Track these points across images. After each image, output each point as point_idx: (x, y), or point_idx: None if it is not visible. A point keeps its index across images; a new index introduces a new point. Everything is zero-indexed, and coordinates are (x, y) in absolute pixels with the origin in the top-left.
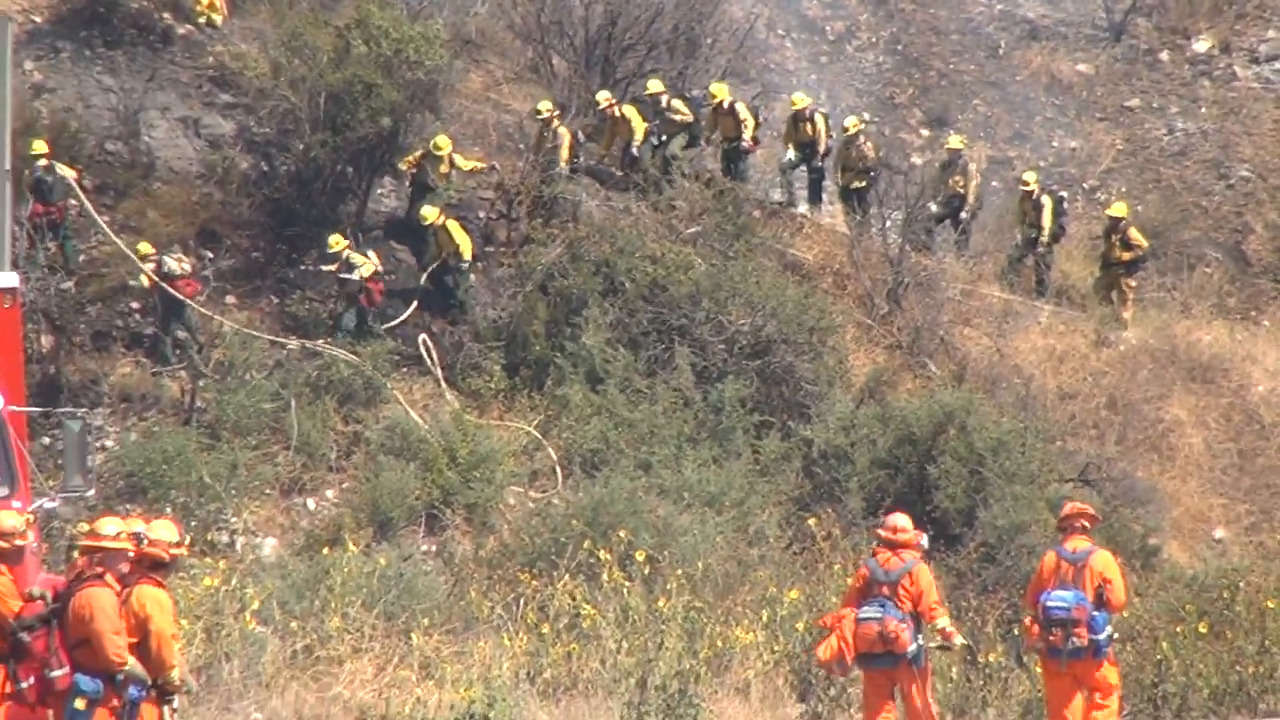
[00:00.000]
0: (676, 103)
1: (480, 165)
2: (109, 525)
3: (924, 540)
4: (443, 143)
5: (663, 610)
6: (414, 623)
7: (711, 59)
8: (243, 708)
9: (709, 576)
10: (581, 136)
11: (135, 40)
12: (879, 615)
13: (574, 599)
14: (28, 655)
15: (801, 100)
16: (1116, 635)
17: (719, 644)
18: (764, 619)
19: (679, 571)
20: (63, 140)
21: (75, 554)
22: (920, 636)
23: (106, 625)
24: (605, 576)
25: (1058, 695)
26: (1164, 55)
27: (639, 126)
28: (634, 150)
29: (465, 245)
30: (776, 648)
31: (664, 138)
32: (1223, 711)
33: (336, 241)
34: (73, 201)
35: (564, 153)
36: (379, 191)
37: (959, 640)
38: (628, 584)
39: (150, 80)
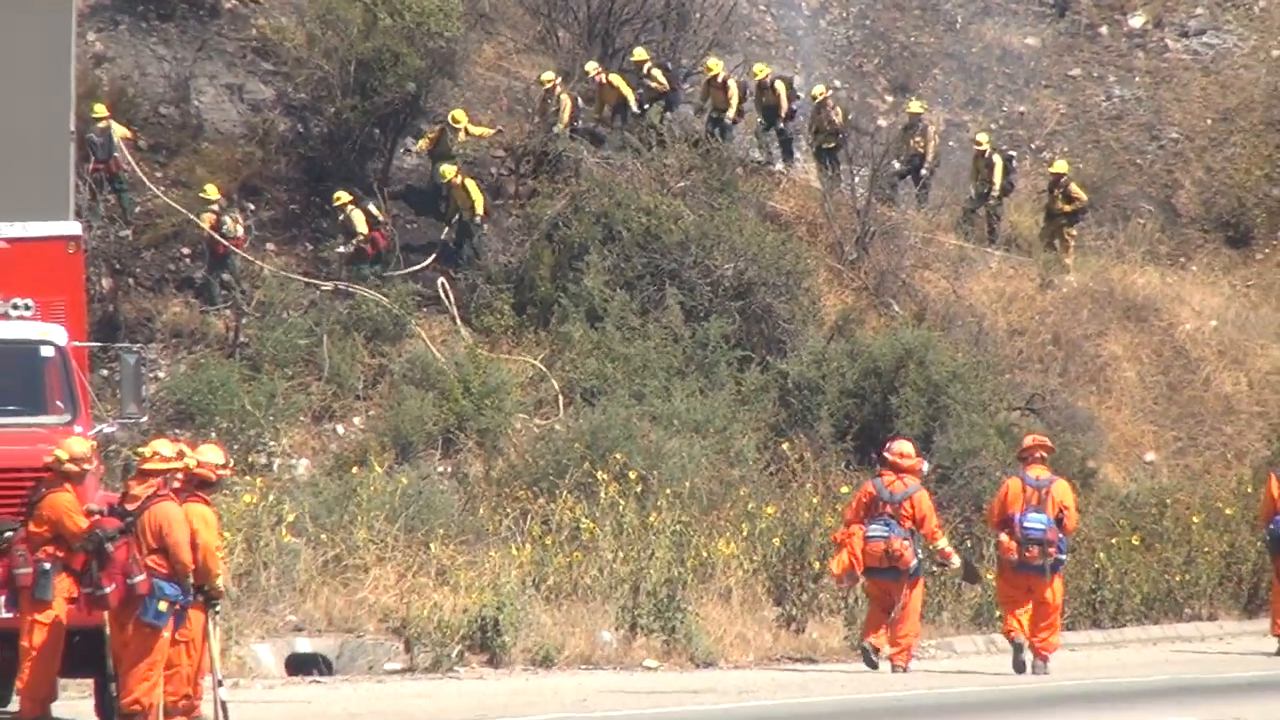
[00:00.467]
0: (656, 71)
1: (489, 131)
2: (166, 448)
3: (925, 466)
4: (459, 116)
5: (653, 524)
6: (431, 535)
7: (699, 32)
8: (279, 610)
9: (695, 494)
10: (581, 102)
11: (186, 14)
12: (885, 534)
13: (574, 514)
14: (110, 563)
15: (762, 70)
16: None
17: (703, 554)
18: (744, 532)
19: (668, 490)
20: (121, 105)
21: (133, 474)
22: (919, 553)
23: (181, 536)
24: (602, 494)
25: (1013, 601)
26: (1103, 29)
27: (628, 92)
28: (634, 109)
29: (479, 201)
30: (755, 558)
31: (645, 105)
32: (1153, 615)
33: (339, 197)
34: (128, 157)
35: (564, 116)
36: (402, 150)
37: (956, 560)
38: (622, 501)
39: (199, 50)
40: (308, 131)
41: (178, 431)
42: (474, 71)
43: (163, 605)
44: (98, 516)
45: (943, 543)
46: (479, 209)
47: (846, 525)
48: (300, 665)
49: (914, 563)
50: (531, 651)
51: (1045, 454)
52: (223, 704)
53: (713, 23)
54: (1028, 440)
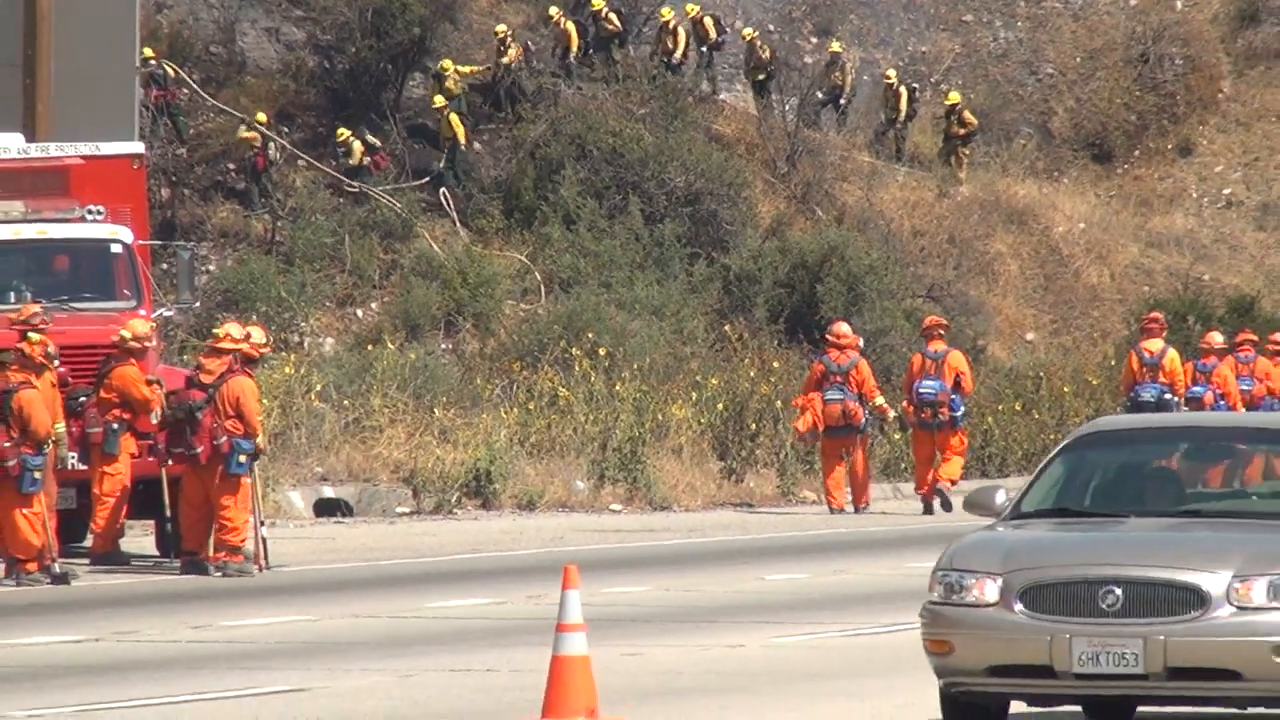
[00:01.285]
0: (611, 15)
1: (478, 69)
2: (236, 330)
3: (861, 341)
4: (446, 65)
5: (619, 393)
6: (435, 401)
7: None
8: (308, 463)
9: (653, 368)
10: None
11: None
12: (840, 398)
13: (553, 384)
14: (200, 428)
15: (693, 9)
16: (968, 412)
17: (659, 417)
18: (693, 399)
19: (631, 364)
20: (176, 45)
21: (205, 351)
22: (864, 413)
23: (253, 405)
24: (576, 367)
25: (922, 453)
26: None
27: (574, 38)
28: (575, 52)
29: (460, 131)
30: (702, 421)
31: (592, 47)
32: (1031, 467)
33: (341, 133)
34: (184, 90)
35: (512, 55)
36: (410, 83)
37: (892, 413)
38: (593, 373)
39: (244, 2)
40: (332, 67)
41: (224, 315)
42: (470, 16)
43: (243, 458)
44: (182, 389)
45: (880, 400)
46: (461, 138)
47: (805, 395)
48: (325, 508)
49: (863, 420)
50: (517, 497)
51: (942, 331)
52: (263, 540)
53: None
54: (927, 320)
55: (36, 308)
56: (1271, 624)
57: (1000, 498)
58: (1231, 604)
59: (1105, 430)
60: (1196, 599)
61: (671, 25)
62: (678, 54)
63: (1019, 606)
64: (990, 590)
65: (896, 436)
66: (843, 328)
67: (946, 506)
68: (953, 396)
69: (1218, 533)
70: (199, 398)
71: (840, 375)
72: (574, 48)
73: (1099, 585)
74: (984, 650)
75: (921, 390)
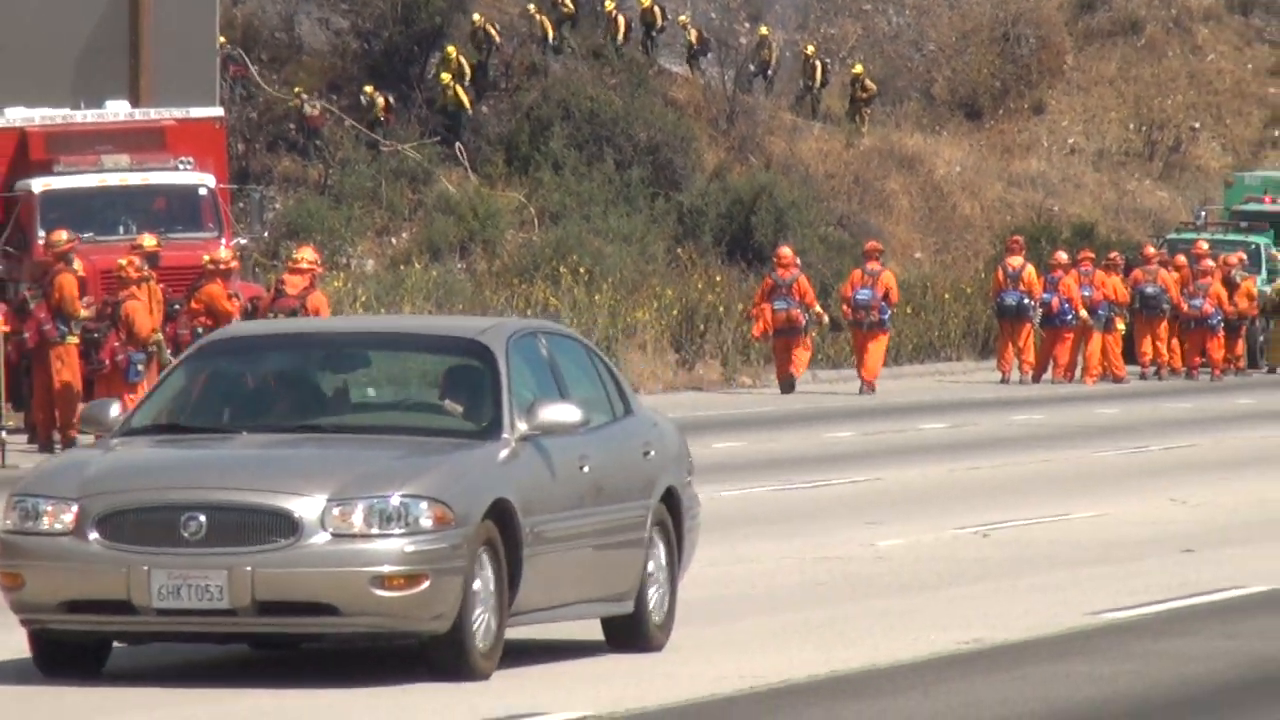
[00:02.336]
0: (567, 2)
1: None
2: (310, 253)
3: (799, 260)
4: (450, 51)
5: (596, 301)
6: (453, 309)
7: None
8: None
9: (623, 281)
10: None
11: None
12: (785, 306)
13: (545, 295)
14: None
15: (611, 4)
16: (893, 316)
17: (628, 320)
18: (654, 306)
19: (607, 279)
20: (249, 32)
21: (286, 270)
22: (805, 317)
23: (328, 313)
24: (563, 282)
25: (859, 346)
26: None
27: (548, 26)
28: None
29: (466, 100)
30: (661, 322)
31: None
32: (920, 357)
33: (367, 89)
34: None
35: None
36: (433, 61)
37: (826, 318)
38: (576, 286)
39: None
40: (370, 49)
41: (288, 244)
42: (478, 7)
43: None
44: (275, 300)
45: (817, 307)
46: (466, 104)
47: (757, 304)
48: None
49: (804, 323)
50: None
51: (878, 253)
52: None
53: None
54: (868, 244)
55: (152, 239)
56: (372, 553)
57: (114, 412)
58: (328, 531)
59: (234, 338)
60: (288, 525)
61: (613, 14)
62: (619, 37)
63: (94, 535)
64: (65, 517)
65: (825, 338)
66: (785, 251)
67: (866, 391)
68: (882, 304)
69: (324, 450)
70: (292, 305)
71: (785, 288)
72: (550, 35)
73: (181, 511)
74: (57, 584)
75: (858, 297)
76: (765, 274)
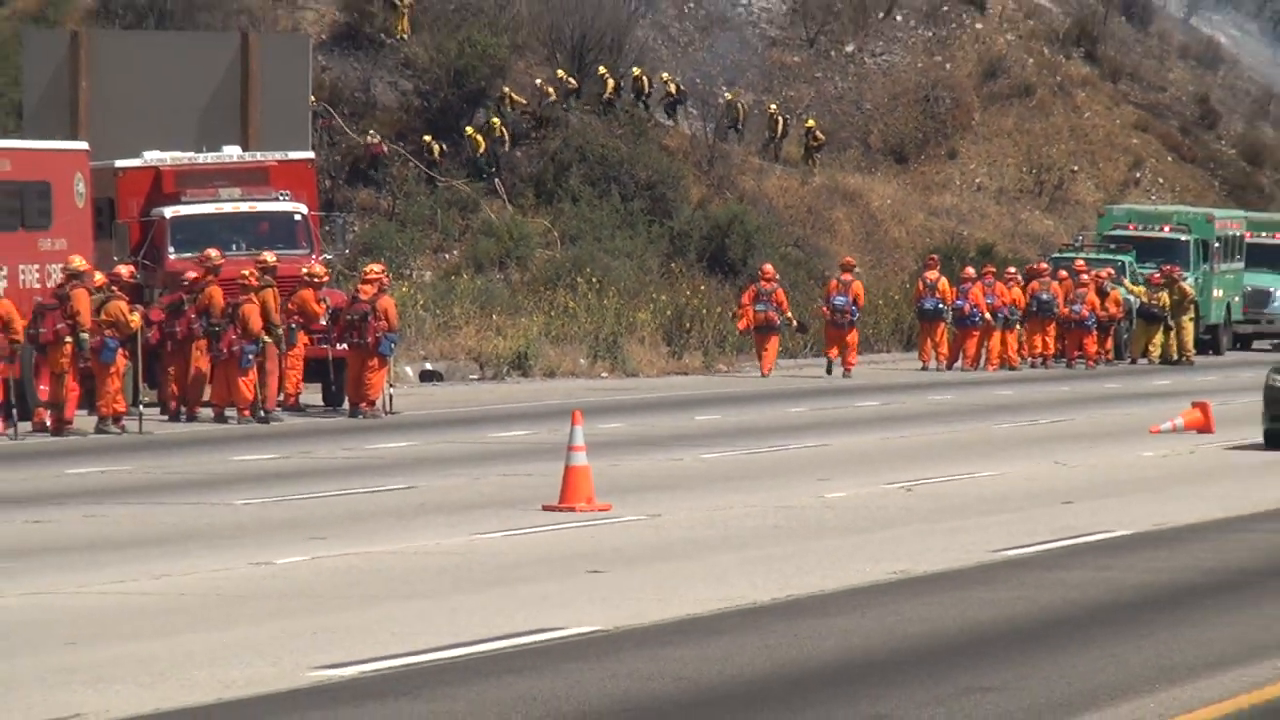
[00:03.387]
0: (570, 79)
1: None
2: (377, 266)
3: (777, 276)
4: (495, 121)
5: (605, 304)
6: (492, 309)
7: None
8: (415, 349)
9: (626, 289)
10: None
11: (367, 45)
12: (765, 309)
13: (565, 299)
14: (368, 327)
15: (637, 70)
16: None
17: (630, 319)
18: (651, 309)
19: (613, 288)
20: (335, 91)
21: (359, 280)
22: (779, 319)
23: (395, 314)
24: (580, 289)
25: (831, 340)
26: (831, 53)
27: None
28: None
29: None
30: (656, 321)
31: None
32: (859, 350)
33: (425, 138)
34: (338, 120)
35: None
36: (478, 114)
37: (795, 321)
38: (589, 293)
39: (374, 64)
40: (429, 105)
41: (364, 259)
42: (513, 75)
43: (391, 346)
44: (352, 303)
45: (790, 313)
46: (499, 149)
47: (743, 306)
48: (426, 376)
49: (779, 324)
50: (543, 369)
51: (851, 267)
52: (390, 396)
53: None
54: (844, 259)
55: (272, 256)
56: None
57: None
58: None
59: None
60: None
61: (613, 79)
62: (621, 96)
63: None
64: None
65: (797, 335)
66: (769, 267)
67: (847, 376)
68: (853, 307)
69: None
70: (364, 308)
71: (766, 296)
72: (554, 98)
73: None
74: None
75: (835, 302)
76: (750, 284)
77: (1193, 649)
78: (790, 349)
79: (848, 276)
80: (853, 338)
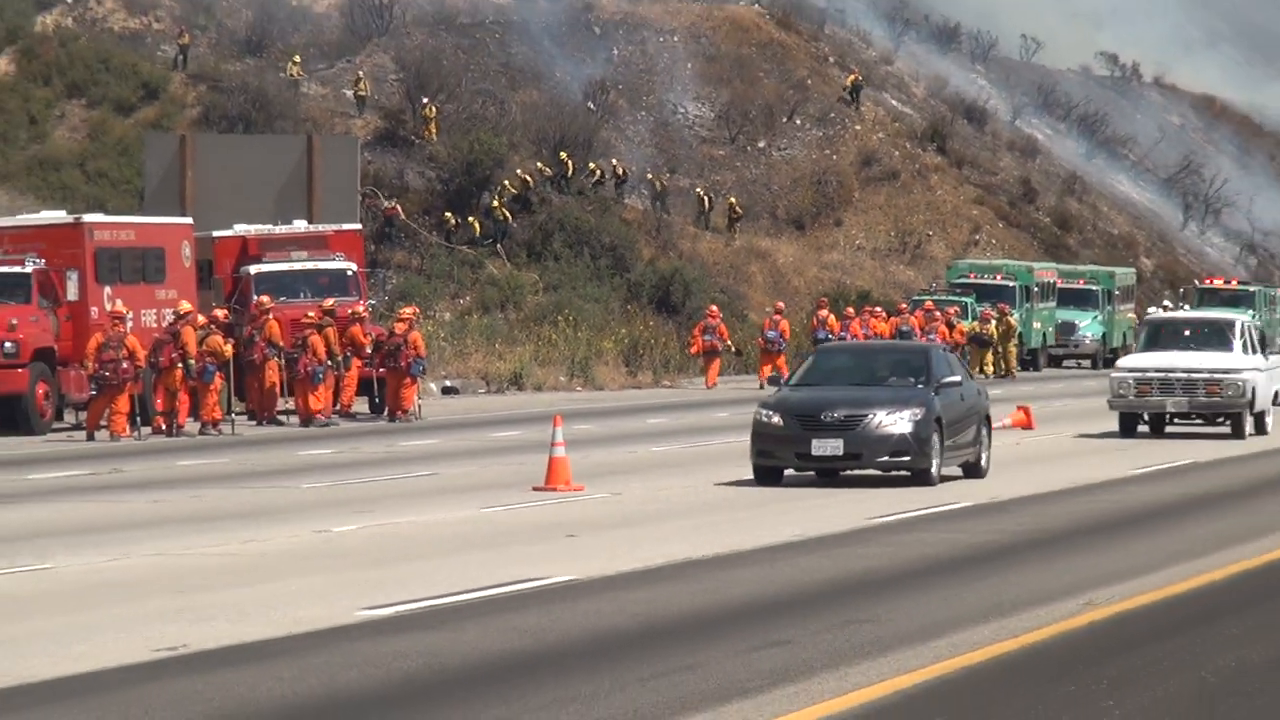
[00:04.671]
0: (546, 169)
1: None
2: (408, 310)
3: (719, 314)
4: (496, 203)
5: (579, 335)
6: (495, 340)
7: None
8: (437, 370)
9: (595, 325)
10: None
11: (403, 144)
12: (711, 339)
13: (549, 333)
14: (403, 356)
15: (617, 163)
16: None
17: (598, 346)
18: (613, 339)
19: (585, 324)
20: (378, 178)
21: (394, 319)
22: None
23: (422, 345)
24: (560, 325)
25: (764, 364)
26: (747, 147)
27: (533, 182)
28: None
29: (508, 216)
30: (617, 349)
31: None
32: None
33: (446, 216)
34: (380, 199)
35: (519, 185)
36: (485, 195)
37: (734, 348)
38: (569, 329)
39: (406, 157)
40: (449, 188)
41: (399, 304)
42: (510, 166)
43: (420, 368)
44: (389, 337)
45: (729, 341)
46: (509, 220)
47: (695, 337)
48: (446, 391)
49: (720, 349)
50: (533, 385)
51: (781, 309)
52: (419, 405)
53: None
54: (777, 304)
55: (330, 301)
56: None
57: None
58: None
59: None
60: None
61: (569, 165)
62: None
63: None
64: None
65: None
66: (714, 308)
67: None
68: (781, 339)
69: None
70: (398, 341)
71: (712, 329)
72: (533, 184)
73: None
74: None
75: (768, 335)
76: (700, 321)
77: (1017, 589)
78: (730, 369)
79: (778, 316)
80: (781, 361)
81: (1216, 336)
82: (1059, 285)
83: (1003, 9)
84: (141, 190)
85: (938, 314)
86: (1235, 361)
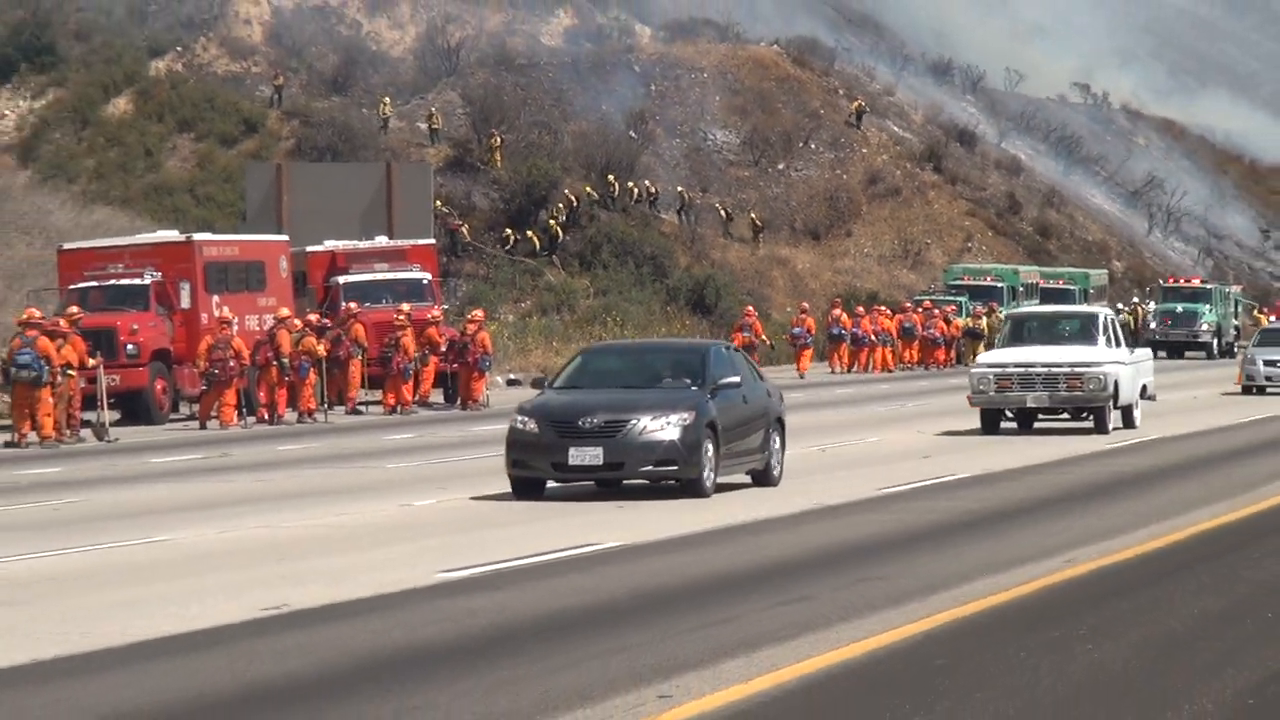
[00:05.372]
0: (591, 191)
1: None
2: (479, 312)
3: (755, 313)
4: (552, 220)
5: (625, 335)
6: (553, 339)
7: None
8: (503, 366)
9: (638, 325)
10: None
11: (470, 169)
12: (747, 334)
13: (600, 332)
14: (471, 353)
15: (634, 185)
16: (811, 340)
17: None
18: (655, 337)
19: (631, 323)
20: (449, 199)
21: (466, 322)
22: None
23: (489, 343)
24: (609, 325)
25: (797, 357)
26: (766, 170)
27: (591, 194)
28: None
29: (560, 234)
30: None
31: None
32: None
33: (506, 232)
34: (452, 217)
35: (573, 204)
36: (543, 214)
37: (770, 343)
38: (617, 327)
39: (474, 181)
40: (510, 208)
41: (469, 307)
42: (562, 187)
43: (487, 363)
44: (459, 336)
45: (764, 336)
46: (561, 235)
47: (735, 332)
48: (510, 383)
49: (755, 344)
50: None
51: (806, 309)
52: (487, 396)
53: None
54: (801, 304)
55: (408, 306)
56: None
57: None
58: None
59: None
60: None
61: (614, 186)
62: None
63: None
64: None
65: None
66: (750, 308)
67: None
68: (807, 335)
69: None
70: (468, 340)
71: (748, 326)
72: (586, 201)
73: None
74: None
75: (795, 331)
76: (737, 319)
77: (1010, 549)
78: (763, 361)
79: (803, 314)
80: (807, 353)
81: (1079, 330)
82: (1041, 285)
83: (991, 45)
84: (243, 212)
85: (936, 311)
86: (1097, 355)
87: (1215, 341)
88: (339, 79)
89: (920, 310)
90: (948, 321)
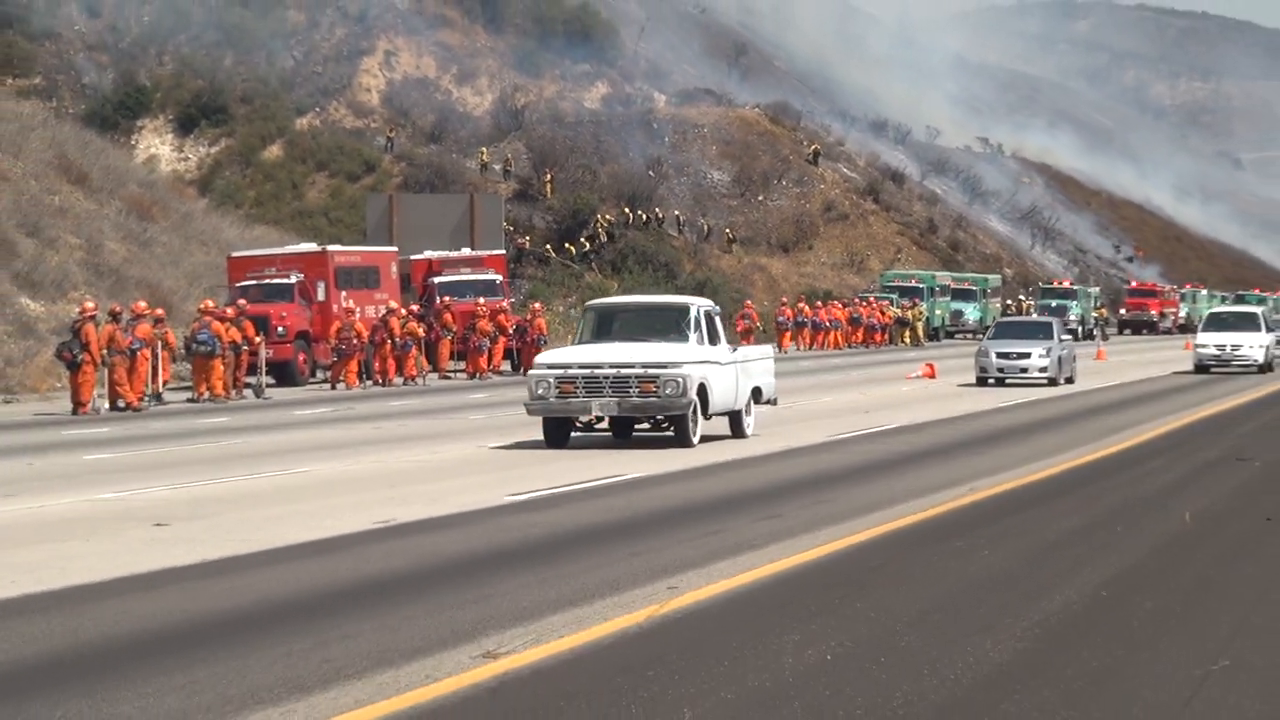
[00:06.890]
0: (609, 218)
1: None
2: (537, 305)
3: (753, 306)
4: (584, 242)
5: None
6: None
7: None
8: (555, 344)
9: None
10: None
11: (528, 198)
12: (748, 325)
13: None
14: (530, 334)
15: (633, 213)
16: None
17: None
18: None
19: None
20: (515, 221)
21: (529, 313)
22: (753, 328)
23: (546, 327)
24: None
25: (780, 342)
26: (751, 200)
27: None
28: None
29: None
30: None
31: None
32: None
33: (567, 246)
34: (517, 234)
35: (601, 229)
36: (585, 232)
37: (762, 329)
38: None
39: (534, 207)
40: (560, 227)
41: (531, 301)
42: (602, 210)
43: (543, 342)
44: (521, 320)
45: (758, 323)
46: (587, 249)
47: (738, 320)
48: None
49: (754, 329)
50: None
51: (785, 302)
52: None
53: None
54: (783, 299)
55: (483, 300)
56: None
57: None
58: None
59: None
60: None
61: (653, 217)
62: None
63: None
64: None
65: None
66: (750, 303)
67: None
68: (789, 321)
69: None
70: (528, 324)
71: (747, 315)
72: (610, 223)
73: None
74: None
75: (779, 320)
76: (739, 311)
77: (927, 480)
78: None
79: (784, 306)
80: (785, 335)
81: (667, 324)
82: (952, 286)
83: (915, 109)
84: (364, 230)
85: (874, 303)
86: (680, 354)
87: (1080, 328)
88: (435, 132)
89: (864, 304)
90: (883, 313)
